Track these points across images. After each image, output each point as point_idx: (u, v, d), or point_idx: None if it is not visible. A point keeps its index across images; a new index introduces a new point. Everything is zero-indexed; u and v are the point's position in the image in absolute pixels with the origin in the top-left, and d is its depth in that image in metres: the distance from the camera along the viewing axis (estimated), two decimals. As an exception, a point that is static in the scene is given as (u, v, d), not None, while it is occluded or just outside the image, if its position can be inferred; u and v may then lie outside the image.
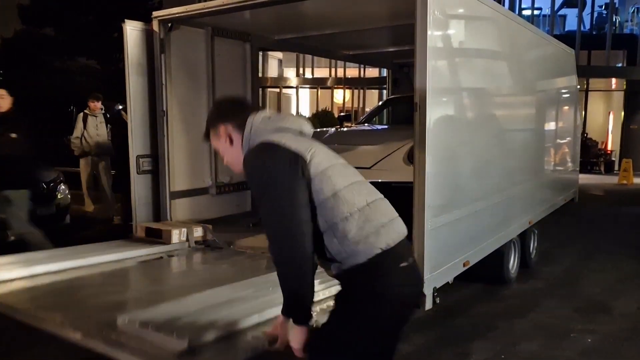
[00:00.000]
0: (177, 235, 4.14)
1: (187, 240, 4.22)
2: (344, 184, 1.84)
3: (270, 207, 1.76)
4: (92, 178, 7.27)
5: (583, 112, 16.71)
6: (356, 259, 1.77)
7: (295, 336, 1.82)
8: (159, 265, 3.90)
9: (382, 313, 1.80)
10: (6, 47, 19.40)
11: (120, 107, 9.69)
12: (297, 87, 22.03)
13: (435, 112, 3.24)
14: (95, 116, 7.25)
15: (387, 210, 1.92)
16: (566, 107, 6.99)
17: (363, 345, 1.83)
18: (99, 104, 7.32)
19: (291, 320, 1.84)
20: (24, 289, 3.20)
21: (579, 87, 7.85)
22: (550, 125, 6.21)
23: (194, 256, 4.15)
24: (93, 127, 7.20)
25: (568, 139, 6.98)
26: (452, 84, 3.62)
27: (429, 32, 3.09)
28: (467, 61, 3.87)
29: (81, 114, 7.28)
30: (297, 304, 1.80)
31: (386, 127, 6.92)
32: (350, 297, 1.84)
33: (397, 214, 1.94)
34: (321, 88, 21.52)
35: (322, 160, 1.84)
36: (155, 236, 4.15)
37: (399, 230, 1.89)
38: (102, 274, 3.56)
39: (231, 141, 1.97)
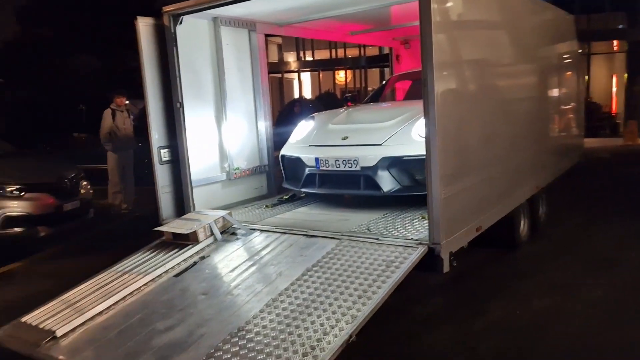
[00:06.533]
0: (203, 233, 4.36)
1: (213, 234, 4.39)
2: None
3: None
4: (120, 171, 7.46)
5: (586, 76, 16.66)
6: None
7: None
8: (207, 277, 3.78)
9: None
10: (7, 49, 19.54)
11: (127, 101, 9.80)
12: (298, 71, 22.03)
13: (442, 85, 3.40)
14: (122, 111, 7.44)
15: None
16: (568, 73, 7.08)
17: None
18: (124, 99, 7.51)
19: None
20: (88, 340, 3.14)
21: (580, 51, 7.91)
22: (554, 92, 6.32)
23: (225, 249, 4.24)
24: (121, 122, 7.40)
25: (572, 104, 7.08)
26: (456, 57, 3.76)
27: (432, 6, 3.24)
28: (470, 33, 4.00)
29: (109, 110, 7.41)
30: None
31: (394, 103, 7.05)
32: None
33: None
34: (322, 70, 21.50)
35: None
36: (183, 239, 4.35)
37: None
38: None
39: None
